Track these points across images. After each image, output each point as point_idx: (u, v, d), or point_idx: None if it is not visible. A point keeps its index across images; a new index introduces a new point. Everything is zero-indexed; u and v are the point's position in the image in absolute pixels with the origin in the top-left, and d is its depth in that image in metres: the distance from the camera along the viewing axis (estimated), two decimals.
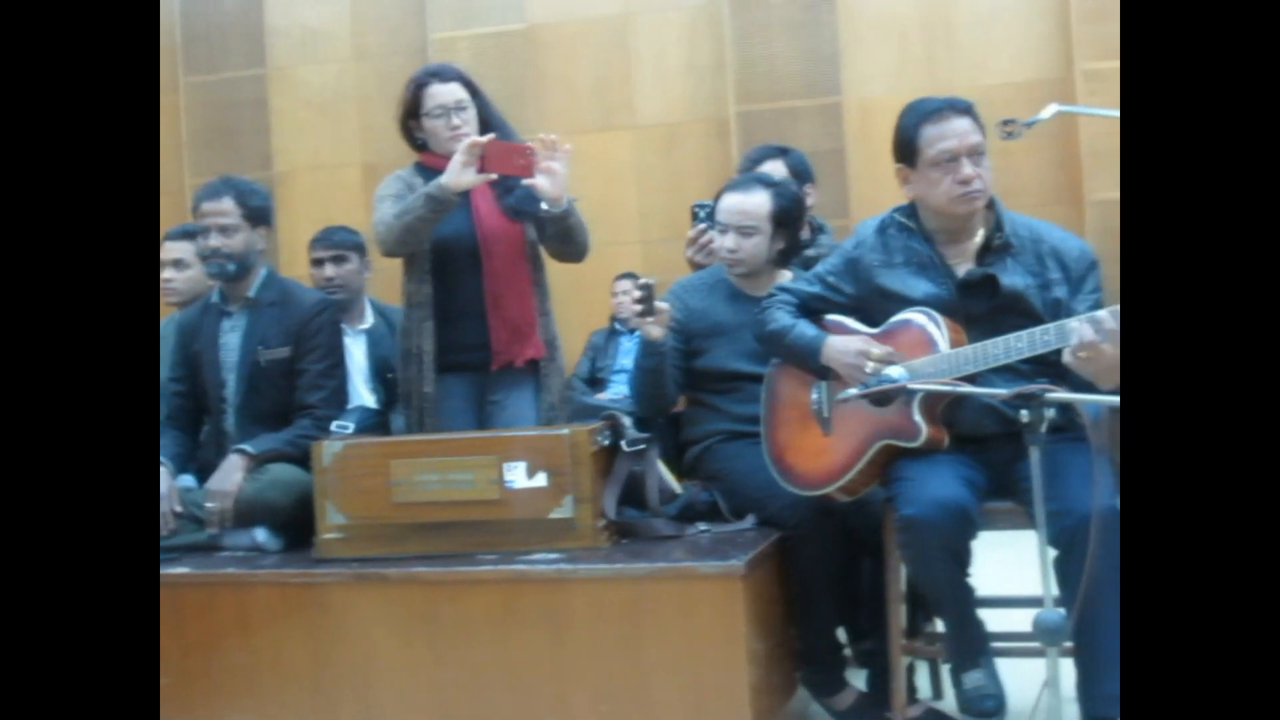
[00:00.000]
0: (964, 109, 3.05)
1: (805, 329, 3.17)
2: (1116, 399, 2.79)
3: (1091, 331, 2.70)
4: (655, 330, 3.42)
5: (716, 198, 3.61)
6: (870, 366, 2.99)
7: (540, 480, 3.12)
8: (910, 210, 3.18)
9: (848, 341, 3.08)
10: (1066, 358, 2.76)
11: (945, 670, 3.50)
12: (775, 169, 3.99)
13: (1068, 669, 2.81)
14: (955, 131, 3.02)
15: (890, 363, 2.98)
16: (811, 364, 3.14)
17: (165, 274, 4.24)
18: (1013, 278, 3.05)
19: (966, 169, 3.00)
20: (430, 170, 3.61)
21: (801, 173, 4.08)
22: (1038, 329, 2.83)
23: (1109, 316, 2.71)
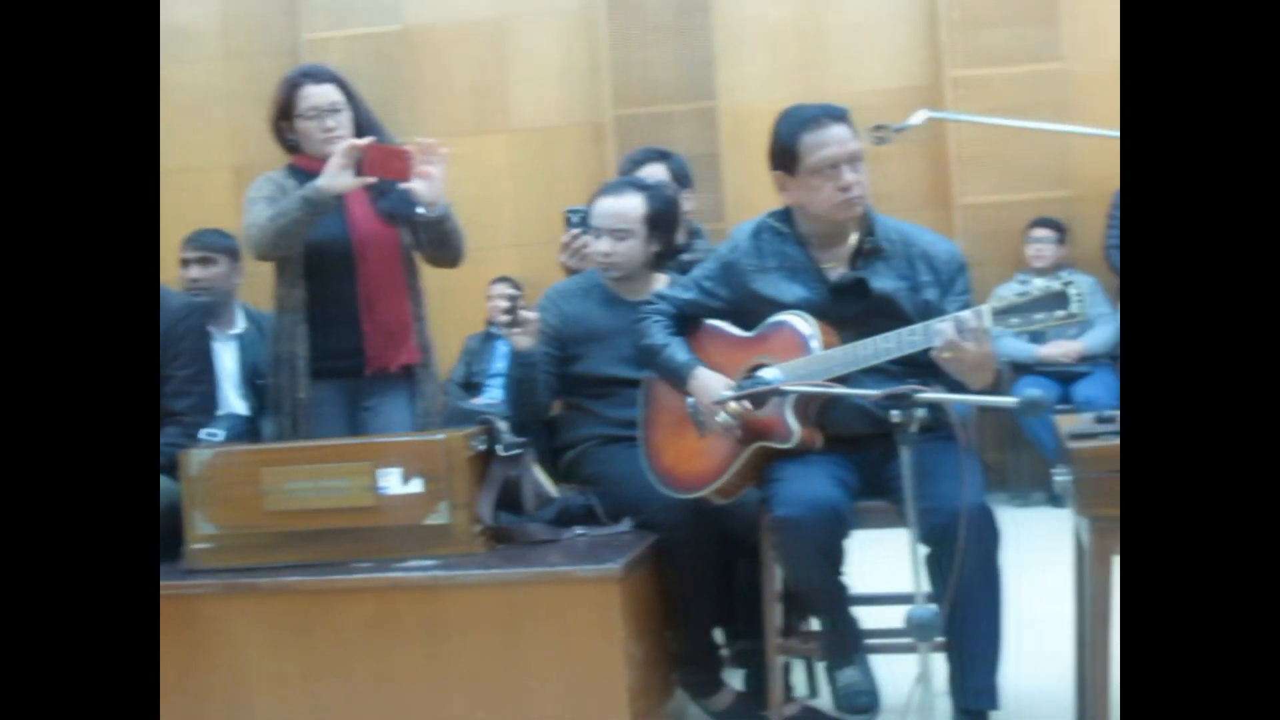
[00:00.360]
0: (840, 116, 3.10)
1: (677, 352, 3.18)
2: (984, 399, 2.86)
3: (954, 331, 2.76)
4: (524, 340, 3.42)
5: (590, 201, 3.62)
6: (721, 417, 3.01)
7: (415, 486, 3.09)
8: (784, 215, 3.21)
9: (709, 383, 3.10)
10: (934, 357, 2.82)
11: (821, 668, 3.55)
12: (656, 172, 4.00)
13: (940, 664, 2.86)
14: (835, 139, 3.06)
15: (741, 416, 3.01)
16: (680, 389, 3.16)
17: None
18: (884, 281, 3.10)
19: (847, 175, 3.04)
20: (303, 172, 3.56)
21: (682, 177, 4.10)
22: (905, 330, 2.88)
23: (972, 316, 2.77)
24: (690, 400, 3.18)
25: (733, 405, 3.01)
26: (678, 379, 3.16)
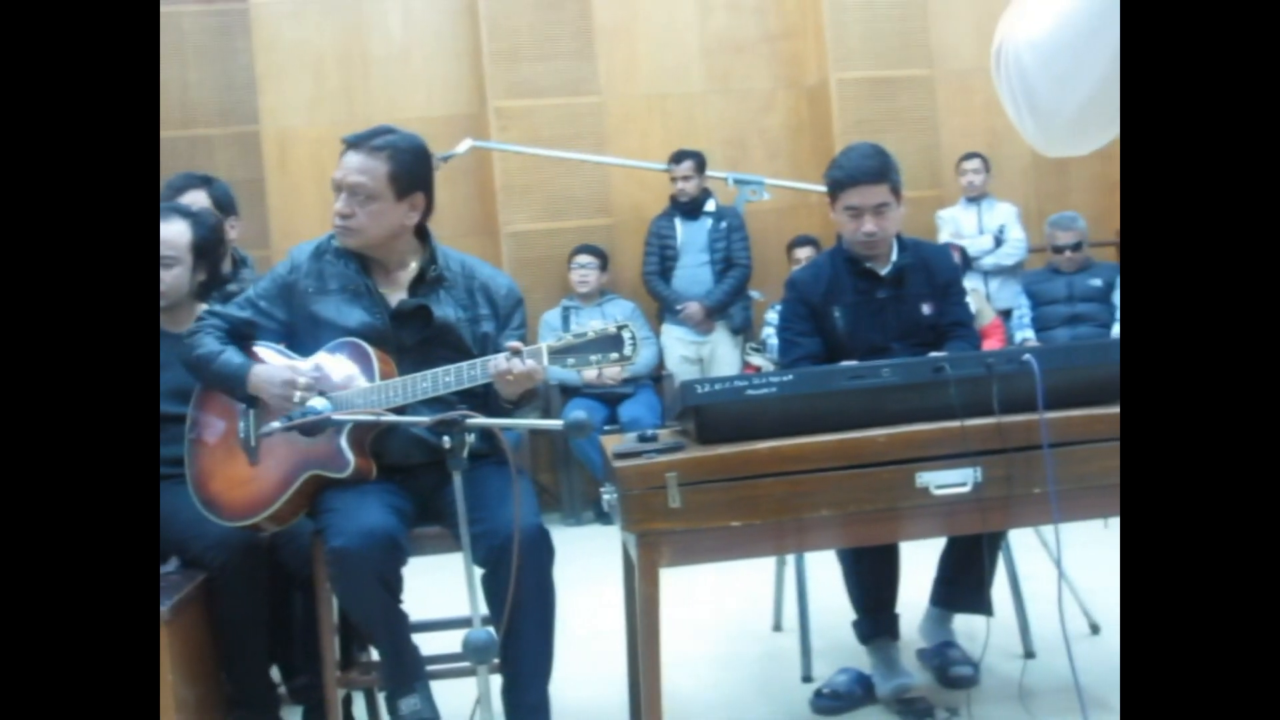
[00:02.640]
0: (351, 143, 3.13)
1: (232, 356, 3.08)
2: (532, 422, 2.94)
3: (506, 363, 2.84)
4: None
5: None
6: (298, 395, 2.96)
7: None
8: None
9: (274, 370, 3.03)
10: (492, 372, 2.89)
11: (382, 698, 3.52)
12: (197, 199, 3.86)
13: (498, 685, 2.91)
14: (340, 166, 3.12)
15: (317, 391, 2.97)
16: (238, 392, 3.06)
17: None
18: (445, 309, 3.13)
19: (336, 204, 3.10)
20: None
21: (225, 204, 3.98)
22: (465, 364, 2.93)
23: (530, 354, 2.85)
24: (241, 425, 3.10)
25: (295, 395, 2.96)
26: (235, 381, 3.05)
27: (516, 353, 2.86)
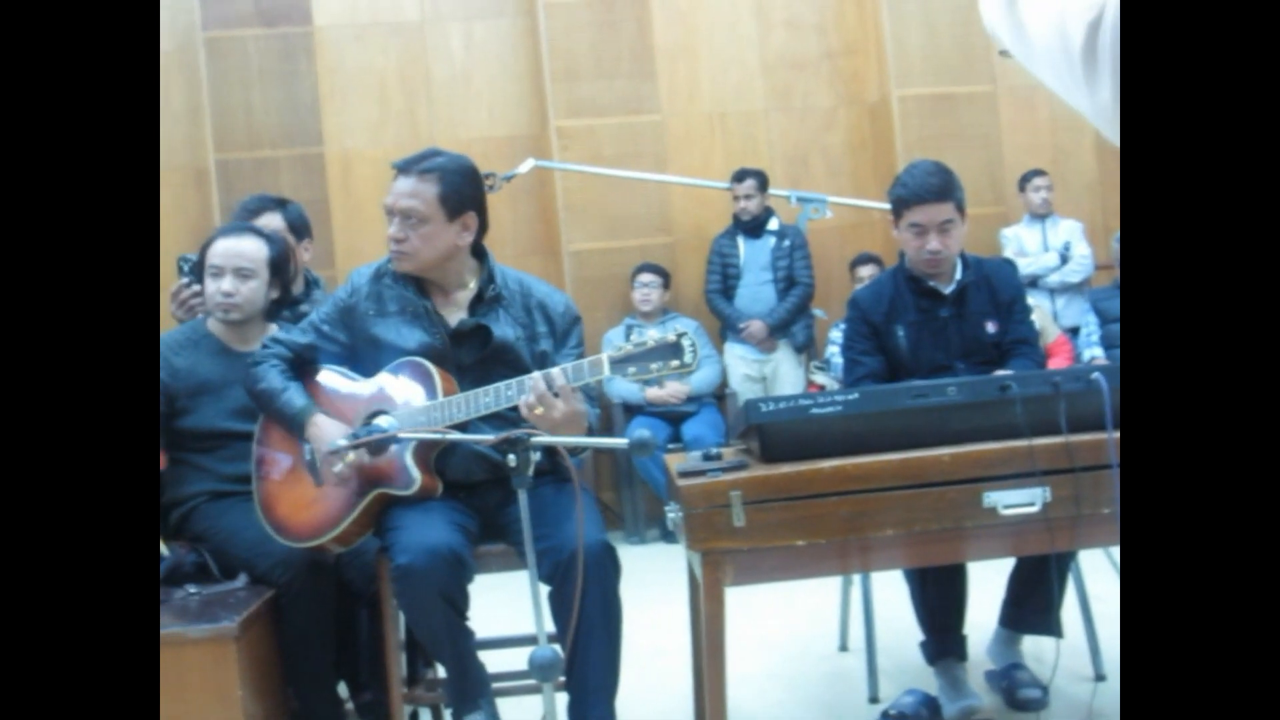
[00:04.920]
0: (401, 168, 3.14)
1: (294, 397, 3.12)
2: (596, 440, 2.94)
3: (543, 386, 2.84)
4: None
5: (205, 247, 3.47)
6: (338, 467, 2.99)
7: None
8: None
9: (327, 432, 3.06)
10: (523, 412, 2.88)
11: (448, 715, 3.54)
12: (272, 222, 3.89)
13: (563, 701, 2.91)
14: (391, 191, 3.13)
15: (355, 467, 2.99)
16: (297, 435, 3.11)
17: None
18: (503, 329, 3.14)
19: (389, 228, 3.12)
20: None
21: (299, 226, 4.02)
22: (527, 377, 2.93)
23: (559, 374, 2.85)
24: (306, 447, 3.12)
25: (350, 455, 2.98)
26: (295, 425, 3.10)
27: (550, 382, 2.85)
